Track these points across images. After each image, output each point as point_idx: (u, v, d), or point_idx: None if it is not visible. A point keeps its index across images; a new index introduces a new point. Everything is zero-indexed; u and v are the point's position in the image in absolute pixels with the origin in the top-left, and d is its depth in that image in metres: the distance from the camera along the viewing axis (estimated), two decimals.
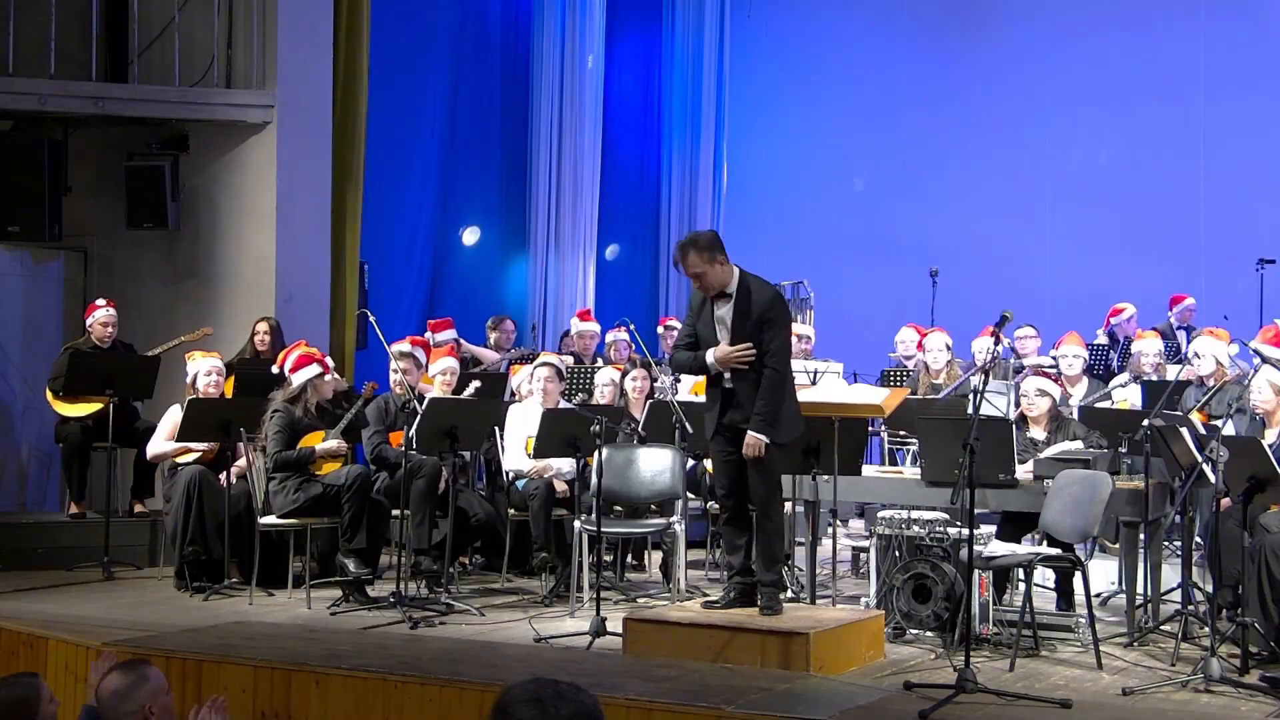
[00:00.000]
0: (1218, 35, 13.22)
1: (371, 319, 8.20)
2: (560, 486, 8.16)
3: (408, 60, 12.43)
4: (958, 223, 13.36)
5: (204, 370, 8.44)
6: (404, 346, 8.43)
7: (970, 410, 6.42)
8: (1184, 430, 6.60)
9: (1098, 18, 13.58)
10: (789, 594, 7.71)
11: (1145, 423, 6.96)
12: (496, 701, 2.65)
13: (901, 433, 9.11)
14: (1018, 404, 8.06)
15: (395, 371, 8.23)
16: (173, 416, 8.36)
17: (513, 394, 9.35)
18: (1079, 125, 13.58)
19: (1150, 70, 13.32)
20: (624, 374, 9.15)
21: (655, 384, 9.22)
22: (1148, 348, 9.50)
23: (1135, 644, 6.76)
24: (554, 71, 13.78)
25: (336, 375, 8.58)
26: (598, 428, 6.98)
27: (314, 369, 8.05)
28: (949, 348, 9.56)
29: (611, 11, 14.33)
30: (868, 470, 7.78)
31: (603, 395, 9.02)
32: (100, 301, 9.28)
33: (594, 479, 7.37)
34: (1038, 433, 7.73)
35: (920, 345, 9.86)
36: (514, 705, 2.62)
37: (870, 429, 8.73)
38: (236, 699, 5.71)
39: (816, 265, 11.13)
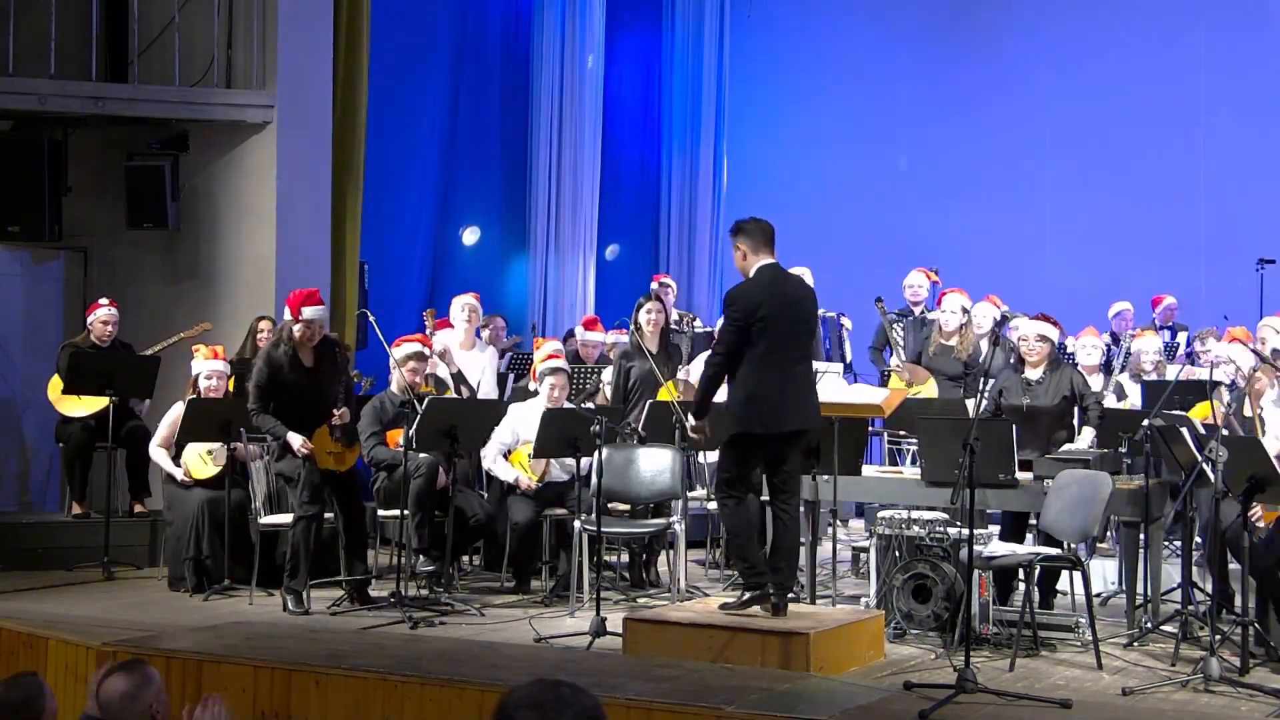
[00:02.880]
0: (1218, 34, 13.21)
1: (371, 319, 8.19)
2: (524, 484, 8.13)
3: (408, 60, 12.42)
4: (958, 222, 13.36)
5: (205, 373, 8.42)
6: (413, 346, 8.24)
7: (971, 410, 6.44)
8: (1184, 430, 6.60)
9: (1098, 17, 13.58)
10: (792, 594, 7.73)
11: (1145, 423, 6.97)
12: (498, 704, 2.62)
13: (901, 433, 9.10)
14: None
15: (398, 369, 8.15)
16: (174, 413, 8.36)
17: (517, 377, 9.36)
18: (1079, 124, 13.57)
19: (1150, 69, 13.31)
20: (638, 308, 8.99)
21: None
22: (1146, 346, 9.49)
23: (1135, 644, 6.76)
24: (554, 71, 13.77)
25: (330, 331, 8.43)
26: (597, 428, 6.98)
27: (285, 313, 7.79)
28: (965, 310, 9.47)
29: (611, 11, 14.32)
30: (868, 470, 7.78)
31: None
32: (103, 301, 9.27)
33: (594, 479, 7.37)
34: (1033, 374, 7.76)
35: (939, 302, 9.73)
36: (516, 710, 2.59)
37: (870, 429, 8.73)
38: (236, 699, 5.70)
39: (817, 265, 11.08)
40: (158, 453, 8.48)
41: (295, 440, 7.62)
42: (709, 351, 6.64)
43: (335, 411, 7.66)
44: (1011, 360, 8.26)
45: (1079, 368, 9.03)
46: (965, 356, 9.29)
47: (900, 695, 5.60)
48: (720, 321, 6.69)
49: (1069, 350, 9.58)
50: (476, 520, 8.12)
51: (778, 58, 14.83)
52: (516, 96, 13.80)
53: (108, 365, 8.83)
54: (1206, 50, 13.19)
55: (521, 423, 8.26)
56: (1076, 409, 7.86)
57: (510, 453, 8.28)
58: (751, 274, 6.52)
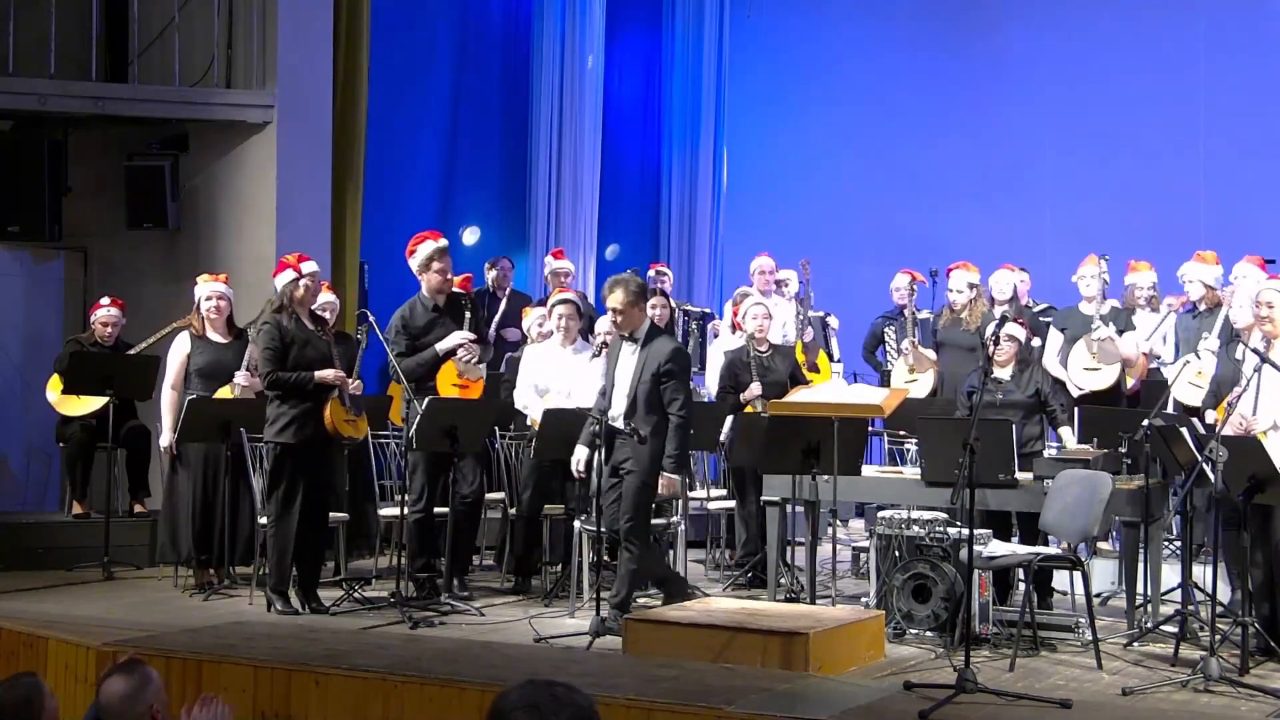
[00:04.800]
0: (1218, 34, 13.21)
1: (371, 319, 8.19)
2: None
3: (408, 60, 12.42)
4: (958, 222, 13.35)
5: (206, 294, 8.40)
6: (430, 245, 8.13)
7: (972, 410, 6.45)
8: (1184, 430, 6.61)
9: (1098, 18, 13.58)
10: (787, 595, 7.75)
11: (1145, 423, 6.97)
12: (492, 706, 2.61)
13: (901, 433, 9.12)
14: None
15: (424, 274, 8.07)
16: (181, 348, 8.35)
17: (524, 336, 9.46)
18: (1079, 124, 13.57)
19: (1150, 69, 13.31)
20: None
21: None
22: (1141, 280, 9.51)
23: (1135, 644, 6.76)
24: (554, 71, 13.76)
25: (331, 296, 8.53)
26: (597, 428, 6.98)
27: (287, 274, 7.68)
28: (972, 286, 9.44)
29: (611, 11, 14.31)
30: (868, 470, 7.79)
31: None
32: (104, 301, 9.27)
33: (594, 479, 7.38)
34: (1003, 374, 7.83)
35: (948, 276, 9.69)
36: (511, 711, 2.58)
37: (870, 429, 8.74)
38: (236, 699, 5.70)
39: (816, 265, 11.10)
40: (168, 396, 8.40)
41: (328, 373, 7.52)
42: (680, 409, 7.09)
43: (350, 381, 7.65)
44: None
45: (1081, 301, 9.15)
46: (975, 328, 9.32)
47: (900, 695, 5.60)
48: (675, 380, 7.14)
49: (1073, 280, 9.55)
50: (465, 501, 8.04)
51: (778, 58, 14.82)
52: (516, 96, 13.80)
53: (108, 365, 8.83)
54: (1208, 54, 13.19)
55: (541, 368, 8.36)
56: (1043, 414, 7.95)
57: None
58: (648, 329, 7.24)
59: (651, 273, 11.18)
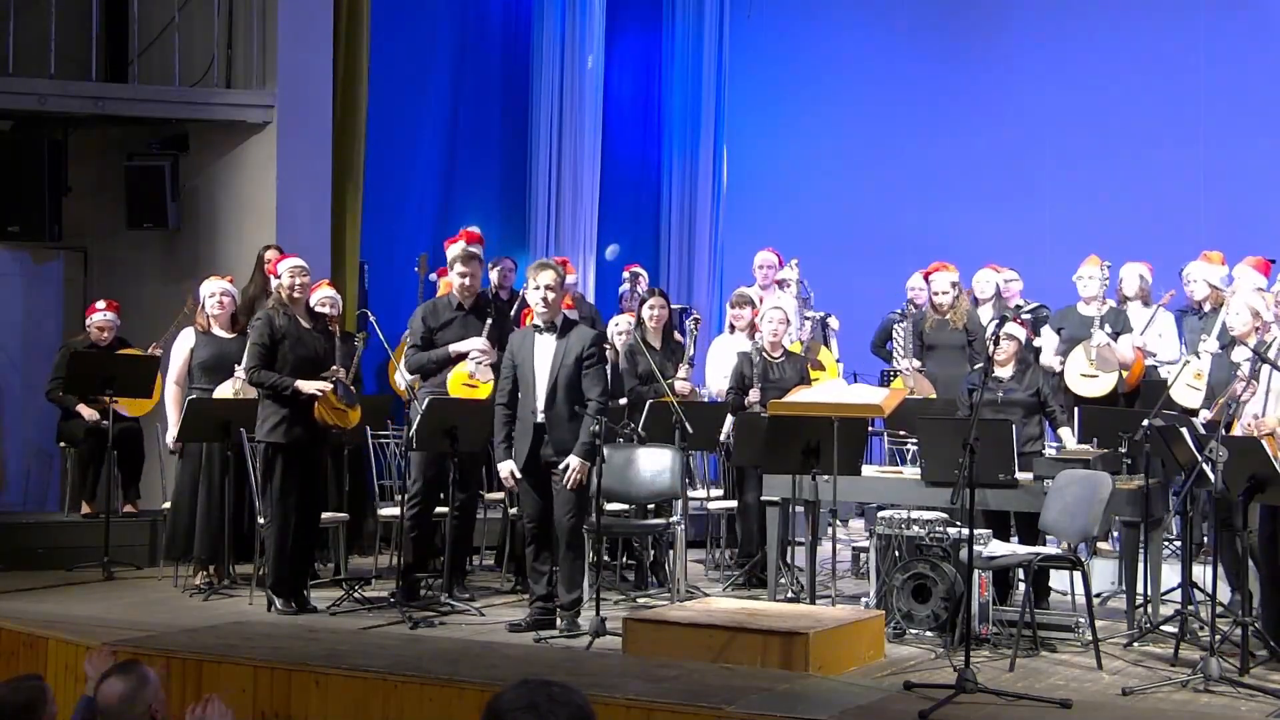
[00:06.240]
0: (1218, 33, 13.21)
1: (371, 319, 8.20)
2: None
3: (408, 60, 12.41)
4: (958, 222, 13.35)
5: (209, 292, 8.47)
6: (462, 247, 8.22)
7: (971, 409, 6.45)
8: (1184, 430, 6.61)
9: (1098, 17, 13.57)
10: (789, 595, 7.75)
11: (1145, 423, 6.97)
12: (488, 707, 2.59)
13: (901, 433, 9.11)
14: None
15: (459, 275, 8.07)
16: (185, 344, 8.40)
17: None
18: (1079, 124, 13.55)
19: (1150, 69, 13.31)
20: (641, 302, 9.20)
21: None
22: (1129, 273, 9.54)
23: (1135, 644, 6.76)
24: (554, 71, 13.75)
25: (332, 294, 8.50)
26: (597, 427, 6.98)
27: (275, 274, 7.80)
28: (954, 285, 9.43)
29: (611, 11, 14.30)
30: (868, 470, 7.79)
31: (618, 340, 9.07)
32: (99, 305, 9.25)
33: (594, 479, 7.37)
34: (1003, 373, 7.82)
35: (927, 281, 9.70)
36: (510, 712, 2.57)
37: (870, 429, 8.73)
38: (236, 699, 5.70)
39: (816, 265, 11.09)
40: (171, 391, 8.44)
41: (307, 386, 7.50)
42: (600, 396, 7.05)
43: (338, 371, 7.66)
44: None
45: (1080, 302, 9.17)
46: (963, 325, 9.31)
47: (900, 695, 5.60)
48: (597, 366, 7.11)
49: (1073, 279, 9.54)
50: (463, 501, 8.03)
51: (778, 58, 14.81)
52: (516, 96, 13.79)
53: (108, 365, 8.83)
54: (1208, 54, 13.18)
55: None
56: (1042, 415, 7.95)
57: None
58: (564, 320, 7.12)
59: (626, 274, 11.16)
